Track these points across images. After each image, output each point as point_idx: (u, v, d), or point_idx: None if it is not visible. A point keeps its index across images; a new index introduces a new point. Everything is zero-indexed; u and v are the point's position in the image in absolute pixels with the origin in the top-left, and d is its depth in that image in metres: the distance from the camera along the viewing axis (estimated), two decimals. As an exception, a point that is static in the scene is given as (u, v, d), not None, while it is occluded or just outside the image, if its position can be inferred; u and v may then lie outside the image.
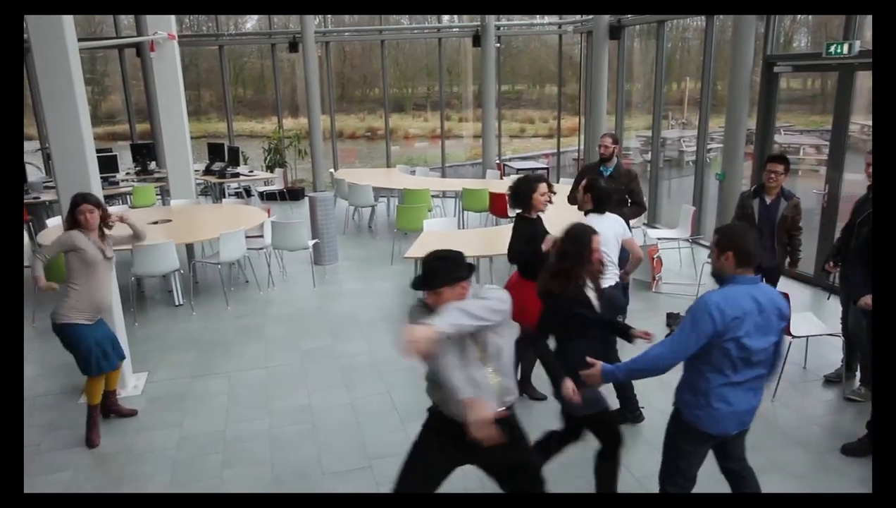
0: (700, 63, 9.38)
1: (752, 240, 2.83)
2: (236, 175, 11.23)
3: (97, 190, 4.91)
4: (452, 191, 10.76)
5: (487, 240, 7.19)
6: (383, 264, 8.67)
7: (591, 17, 11.78)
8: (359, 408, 5.01)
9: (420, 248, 6.69)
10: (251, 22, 18.63)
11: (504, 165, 13.17)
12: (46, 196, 9.75)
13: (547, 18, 14.76)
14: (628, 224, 5.30)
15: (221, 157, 11.55)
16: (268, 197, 12.65)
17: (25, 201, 9.34)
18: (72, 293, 4.37)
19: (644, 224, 9.09)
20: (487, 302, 2.67)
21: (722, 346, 2.77)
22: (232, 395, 5.25)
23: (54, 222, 7.90)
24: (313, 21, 12.36)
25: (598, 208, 4.65)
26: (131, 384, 5.37)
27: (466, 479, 4.11)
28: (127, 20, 14.36)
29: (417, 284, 2.83)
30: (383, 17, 13.97)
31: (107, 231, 4.53)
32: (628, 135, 12.05)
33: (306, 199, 13.07)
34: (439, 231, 7.52)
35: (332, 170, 12.32)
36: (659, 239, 7.98)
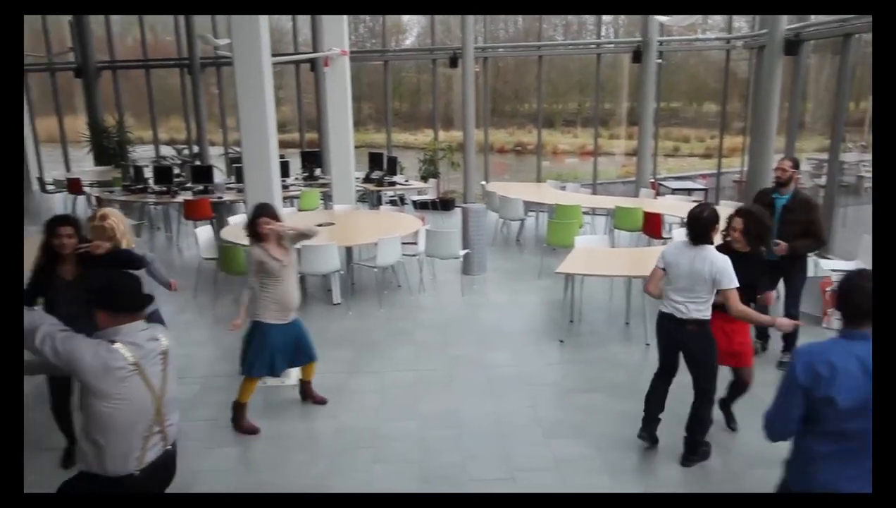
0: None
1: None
2: (393, 184, 11.76)
3: (278, 191, 5.38)
4: (603, 208, 10.57)
5: (639, 260, 6.98)
6: (530, 277, 8.68)
7: (763, 31, 11.09)
8: (503, 419, 5.05)
9: (571, 264, 6.64)
10: (411, 39, 19.51)
11: (659, 184, 12.72)
12: (228, 196, 10.78)
13: (712, 34, 14.08)
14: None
15: (380, 166, 12.15)
16: (420, 206, 13.11)
17: (211, 200, 10.39)
18: (261, 295, 4.77)
19: (816, 254, 8.39)
20: None
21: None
22: (383, 394, 5.49)
23: (235, 220, 8.72)
24: (473, 37, 12.67)
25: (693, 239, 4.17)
26: (294, 374, 5.78)
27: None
28: (303, 37, 15.57)
29: None
30: (541, 34, 14.04)
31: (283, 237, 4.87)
32: (799, 158, 11.16)
33: (456, 209, 13.45)
34: (590, 248, 7.41)
35: (483, 182, 12.54)
36: (833, 271, 7.32)
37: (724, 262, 4.03)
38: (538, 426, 4.92)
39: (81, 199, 13.03)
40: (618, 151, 18.67)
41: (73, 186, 12.59)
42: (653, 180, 12.84)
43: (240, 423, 4.93)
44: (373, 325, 7.08)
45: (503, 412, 5.16)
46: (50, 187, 13.95)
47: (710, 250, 4.10)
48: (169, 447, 3.00)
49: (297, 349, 4.99)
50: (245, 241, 7.04)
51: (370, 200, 12.39)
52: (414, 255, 8.18)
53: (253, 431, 4.89)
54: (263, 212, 4.75)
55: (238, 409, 4.94)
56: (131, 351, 2.70)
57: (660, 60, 12.92)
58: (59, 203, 14.27)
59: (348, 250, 8.25)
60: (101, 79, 16.57)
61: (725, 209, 6.78)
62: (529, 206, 10.76)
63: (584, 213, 10.07)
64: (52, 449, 4.57)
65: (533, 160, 14.67)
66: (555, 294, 7.92)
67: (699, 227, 4.10)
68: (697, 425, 4.35)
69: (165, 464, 3.01)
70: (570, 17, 17.67)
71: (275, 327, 4.79)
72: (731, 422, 4.85)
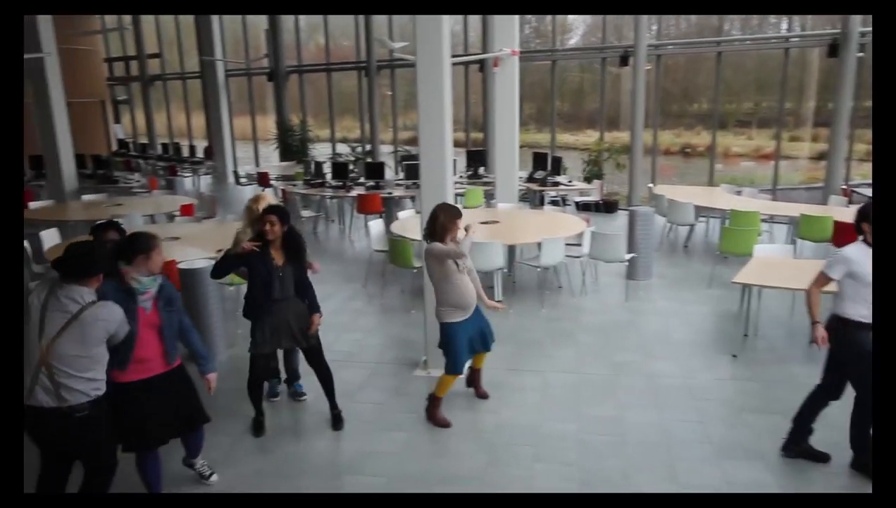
0: None
1: None
2: (556, 184, 11.68)
3: (451, 189, 5.55)
4: (785, 216, 9.76)
5: (831, 274, 6.36)
6: (699, 286, 8.24)
7: None
8: (669, 431, 4.84)
9: (749, 274, 6.22)
10: (575, 38, 19.20)
11: (853, 191, 11.50)
12: (397, 192, 11.31)
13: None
14: None
15: (544, 166, 12.12)
16: (583, 207, 12.90)
17: (381, 195, 10.96)
18: (439, 296, 4.94)
19: None
20: None
21: None
22: (544, 393, 5.49)
23: (404, 214, 9.13)
24: (646, 34, 12.24)
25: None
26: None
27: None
28: (472, 38, 15.90)
29: None
30: (722, 29, 13.22)
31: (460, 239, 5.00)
32: None
33: (619, 212, 13.09)
34: (771, 258, 6.88)
35: (650, 185, 12.08)
36: None
37: None
38: (708, 444, 4.67)
39: (269, 191, 14.31)
40: (801, 155, 17.14)
41: (262, 180, 13.88)
42: (845, 187, 11.64)
43: (433, 415, 5.07)
44: (534, 324, 7.09)
45: (669, 424, 4.95)
46: (243, 180, 15.45)
47: None
48: (59, 406, 3.24)
49: (480, 337, 5.10)
50: (413, 235, 7.40)
51: (532, 199, 12.40)
52: (577, 257, 8.08)
53: (445, 424, 5.00)
54: (451, 212, 4.84)
55: (433, 402, 5.10)
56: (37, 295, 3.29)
57: (860, 54, 11.66)
58: (249, 195, 15.77)
59: (510, 249, 8.32)
60: (288, 82, 18.09)
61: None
62: (700, 211, 10.20)
63: (763, 220, 9.37)
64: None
65: (701, 163, 13.90)
66: (726, 305, 7.45)
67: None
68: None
69: (48, 420, 3.26)
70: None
71: (460, 324, 4.91)
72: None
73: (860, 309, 3.77)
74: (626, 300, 7.79)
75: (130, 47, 22.21)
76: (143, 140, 22.03)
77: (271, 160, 18.74)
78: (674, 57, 16.87)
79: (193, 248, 7.14)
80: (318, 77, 18.29)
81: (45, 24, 10.65)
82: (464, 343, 4.95)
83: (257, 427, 4.95)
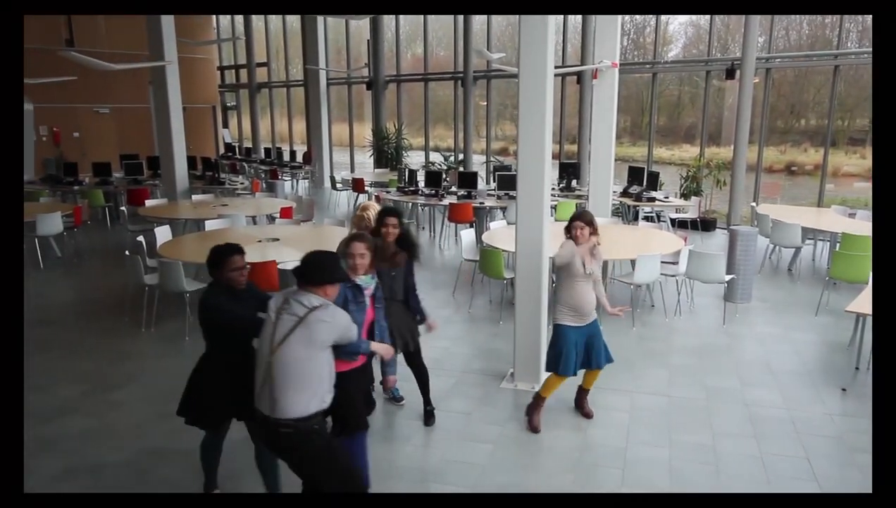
0: None
1: None
2: (652, 200, 11.36)
3: (548, 200, 5.51)
4: (905, 242, 9.04)
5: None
6: (805, 312, 7.77)
7: None
8: (770, 466, 4.58)
9: (866, 302, 5.80)
10: (675, 50, 18.64)
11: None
12: (489, 203, 11.33)
13: None
14: None
15: (640, 180, 11.82)
16: (679, 224, 12.48)
17: (473, 204, 11.01)
18: (559, 298, 4.95)
19: None
20: None
21: None
22: (633, 415, 5.33)
23: (496, 225, 9.14)
24: (756, 47, 11.72)
25: None
26: (542, 379, 5.87)
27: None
28: (569, 50, 15.75)
29: None
30: (839, 41, 12.47)
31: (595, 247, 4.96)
32: None
33: (717, 231, 12.57)
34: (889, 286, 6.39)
35: (753, 204, 11.53)
36: None
37: None
38: (815, 483, 4.38)
39: (363, 197, 14.69)
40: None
41: (357, 186, 14.26)
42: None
43: (531, 415, 5.12)
44: (624, 342, 6.91)
45: (769, 457, 4.68)
46: (339, 186, 15.95)
47: None
48: (269, 415, 3.21)
49: (588, 351, 5.04)
50: (505, 246, 7.39)
51: (625, 214, 12.11)
52: (673, 275, 7.81)
53: (535, 429, 5.04)
54: (580, 218, 4.88)
55: (537, 401, 5.14)
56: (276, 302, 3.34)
57: None
58: (344, 200, 16.27)
59: (604, 265, 8.13)
60: (386, 90, 18.54)
61: None
62: (807, 233, 9.64)
63: (880, 246, 8.72)
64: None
65: (807, 182, 13.18)
66: (836, 335, 6.99)
67: None
68: None
69: (263, 425, 3.27)
70: (867, 20, 15.44)
71: (571, 328, 4.91)
72: None
73: None
74: (723, 324, 7.46)
75: (241, 56, 23.45)
76: (248, 144, 23.19)
77: (366, 167, 19.25)
78: (780, 70, 16.09)
79: (292, 249, 7.42)
80: (415, 86, 18.64)
81: (168, 34, 11.41)
82: (571, 346, 4.91)
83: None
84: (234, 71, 24.55)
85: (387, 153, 17.92)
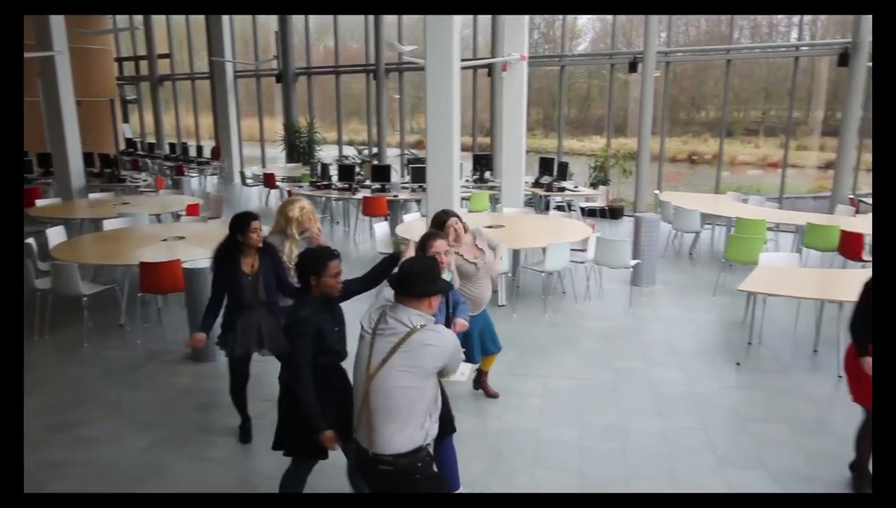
0: None
1: None
2: (562, 189, 11.67)
3: (457, 192, 5.56)
4: (791, 225, 9.73)
5: (833, 283, 6.34)
6: (704, 293, 8.21)
7: None
8: (672, 439, 4.82)
9: (755, 282, 6.19)
10: (584, 44, 19.22)
11: (859, 200, 11.45)
12: (403, 195, 11.32)
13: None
14: None
15: (550, 171, 12.11)
16: (588, 213, 12.89)
17: (387, 198, 10.97)
18: (461, 291, 4.80)
19: None
20: None
21: None
22: (546, 399, 5.47)
23: (410, 217, 9.14)
24: (656, 41, 12.21)
25: None
26: (459, 370, 5.92)
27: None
28: (481, 42, 15.92)
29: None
30: (731, 36, 13.20)
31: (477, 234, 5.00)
32: None
33: (624, 218, 13.06)
34: (777, 266, 6.85)
35: (656, 191, 12.06)
36: None
37: None
38: (711, 452, 4.64)
39: (275, 192, 14.34)
40: (808, 164, 17.11)
41: (268, 181, 13.91)
42: (852, 197, 11.59)
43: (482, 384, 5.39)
44: (537, 329, 7.08)
45: (671, 431, 4.92)
46: (249, 181, 15.50)
47: None
48: (368, 449, 2.80)
49: (483, 337, 5.09)
50: (417, 237, 7.39)
51: (537, 204, 12.39)
52: (582, 262, 8.06)
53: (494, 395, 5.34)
54: (450, 214, 4.79)
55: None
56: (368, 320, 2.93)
57: (871, 63, 11.62)
58: (255, 195, 15.83)
59: (515, 253, 8.30)
60: (296, 84, 18.15)
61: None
62: (706, 218, 10.17)
63: (769, 229, 9.35)
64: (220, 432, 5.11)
65: (707, 170, 13.89)
66: (731, 313, 7.42)
67: None
68: None
69: (361, 457, 2.86)
70: (759, 18, 16.45)
71: (471, 318, 4.91)
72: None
73: None
74: (629, 307, 7.77)
75: (141, 47, 22.33)
76: (151, 140, 22.15)
77: (278, 162, 18.80)
78: (682, 64, 16.88)
79: (199, 247, 7.16)
80: (327, 79, 18.34)
81: (56, 23, 10.72)
82: (476, 335, 4.95)
83: (244, 434, 4.91)
84: (133, 62, 23.35)
85: (299, 148, 17.57)
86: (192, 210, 9.92)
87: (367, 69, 16.87)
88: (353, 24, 18.70)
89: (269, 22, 18.75)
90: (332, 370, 3.47)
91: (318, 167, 13.03)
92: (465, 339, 4.89)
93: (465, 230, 4.86)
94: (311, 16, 18.28)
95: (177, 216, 9.92)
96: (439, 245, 3.80)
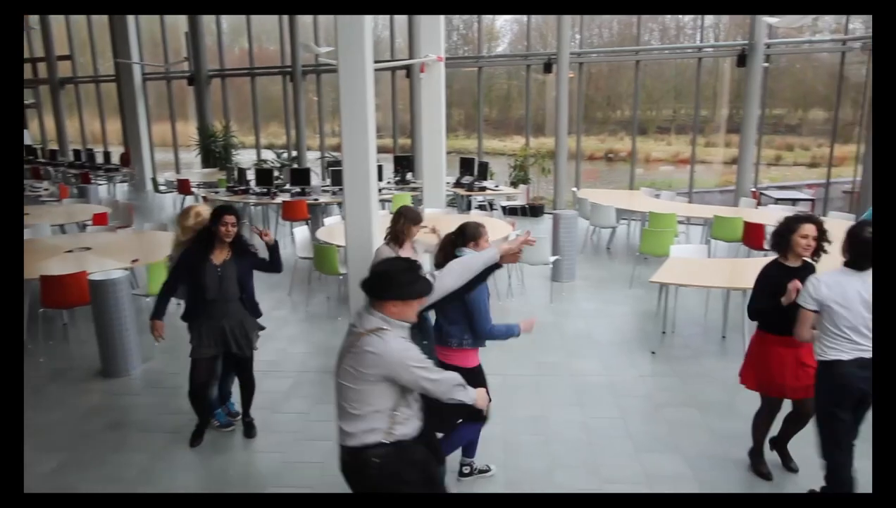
0: None
1: None
2: (483, 189, 11.81)
3: (374, 194, 5.52)
4: (700, 218, 10.20)
5: (738, 272, 6.68)
6: (621, 286, 8.48)
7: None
8: (592, 429, 4.95)
9: (666, 274, 6.45)
10: (503, 45, 19.53)
11: (761, 193, 12.13)
12: (323, 198, 11.16)
13: (826, 35, 13.29)
14: None
15: (471, 171, 12.23)
16: (509, 211, 13.09)
17: (307, 201, 10.79)
18: None
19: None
20: None
21: None
22: (470, 396, 5.50)
23: (331, 221, 9.02)
24: (569, 42, 12.55)
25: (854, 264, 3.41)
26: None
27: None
28: (398, 45, 15.91)
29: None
30: (639, 38, 13.72)
31: (417, 239, 5.02)
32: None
33: (546, 216, 13.34)
34: (686, 258, 7.16)
35: (574, 189, 12.38)
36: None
37: None
38: (629, 439, 4.80)
39: (190, 198, 13.84)
40: (715, 160, 17.98)
41: (183, 187, 13.42)
42: (754, 190, 12.27)
43: None
44: (460, 328, 7.11)
45: (592, 421, 5.06)
46: (162, 188, 14.90)
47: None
48: (342, 443, 2.94)
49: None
50: (339, 241, 7.31)
51: (459, 204, 12.48)
52: (503, 260, 8.15)
53: None
54: (412, 217, 4.89)
55: None
56: None
57: (767, 64, 12.34)
58: (169, 203, 15.24)
59: (438, 254, 8.32)
60: (210, 86, 17.59)
61: (835, 222, 6.41)
62: (621, 213, 10.53)
63: (680, 222, 9.76)
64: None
65: (624, 168, 14.36)
66: (646, 304, 7.70)
67: (865, 247, 3.29)
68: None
69: (341, 462, 2.99)
70: (667, 20, 17.20)
71: None
72: (790, 461, 4.37)
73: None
74: (550, 302, 7.94)
75: (39, 48, 21.07)
76: (54, 147, 20.93)
77: (193, 167, 18.15)
78: (597, 65, 17.41)
79: (107, 258, 6.82)
80: (242, 82, 17.86)
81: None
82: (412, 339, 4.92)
83: (196, 436, 4.80)
84: (31, 65, 22.00)
85: (215, 152, 17.02)
86: (100, 219, 9.44)
87: (283, 71, 16.55)
88: (269, 26, 18.29)
89: (179, 22, 18.09)
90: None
91: (235, 172, 12.67)
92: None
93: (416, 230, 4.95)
94: (224, 16, 17.76)
95: (82, 226, 9.41)
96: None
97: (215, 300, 4.47)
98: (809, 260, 3.94)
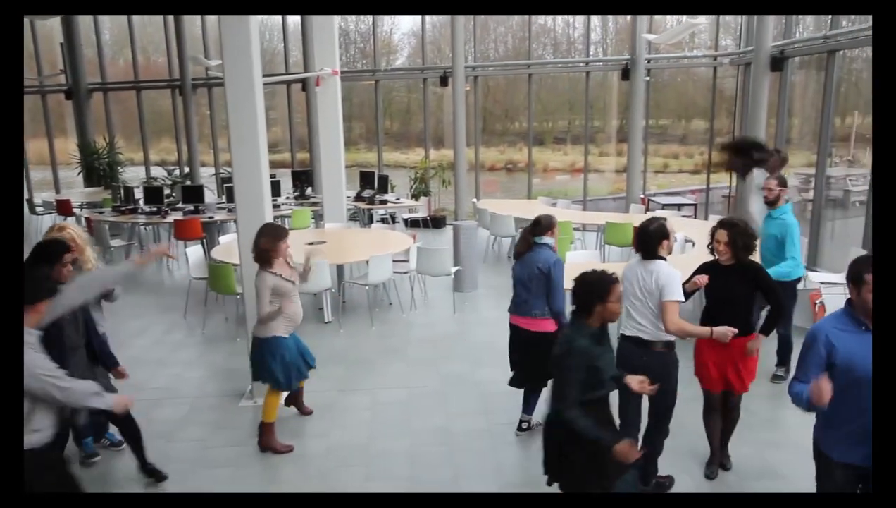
0: (871, 96, 8.64)
1: None
2: (384, 202, 11.79)
3: (269, 211, 5.37)
4: (594, 224, 10.62)
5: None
6: (522, 294, 8.67)
7: (749, 48, 11.25)
8: (496, 435, 5.02)
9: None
10: (402, 59, 19.67)
11: (649, 199, 12.81)
12: (219, 216, 10.77)
13: (700, 51, 14.28)
14: None
15: (371, 184, 12.19)
16: (411, 224, 13.13)
17: (201, 219, 10.38)
18: (273, 310, 4.64)
19: (804, 267, 8.43)
20: None
21: None
22: (375, 411, 5.46)
23: (226, 239, 8.71)
24: (463, 56, 12.80)
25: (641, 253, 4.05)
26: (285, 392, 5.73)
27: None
28: (293, 58, 15.67)
29: None
30: (532, 52, 14.19)
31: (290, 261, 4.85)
32: (786, 173, 11.31)
33: (448, 227, 13.47)
34: (581, 263, 7.41)
35: (474, 200, 12.59)
36: (822, 283, 7.37)
37: (669, 274, 3.85)
38: (532, 442, 4.90)
39: (71, 220, 12.96)
40: (608, 169, 18.82)
41: (63, 208, 12.55)
42: (643, 196, 12.94)
43: (271, 443, 4.82)
44: (364, 343, 7.06)
45: (496, 428, 5.13)
46: (39, 209, 13.89)
47: (658, 264, 3.91)
48: None
49: (305, 352, 5.00)
50: (235, 259, 7.06)
51: (361, 218, 12.40)
52: (405, 272, 8.17)
53: (289, 449, 4.82)
54: (273, 234, 4.64)
55: (267, 430, 4.83)
56: None
57: (648, 78, 13.08)
58: (48, 225, 14.20)
59: (339, 268, 8.23)
60: (91, 101, 16.59)
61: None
62: (520, 222, 10.78)
63: (575, 229, 10.12)
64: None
65: (523, 178, 14.76)
66: (547, 310, 7.91)
67: (647, 240, 3.95)
68: (650, 452, 4.06)
69: None
70: (559, 36, 17.92)
71: (287, 339, 4.77)
72: (727, 461, 4.53)
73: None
74: (454, 312, 8.01)
75: None
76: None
77: (75, 186, 17.03)
78: (494, 78, 17.86)
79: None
80: (128, 96, 16.97)
81: None
82: (297, 356, 4.83)
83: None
84: None
85: (98, 170, 16.04)
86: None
87: (172, 84, 15.87)
88: (156, 37, 17.54)
89: (53, 33, 16.99)
90: (601, 406, 3.23)
91: (122, 191, 12.01)
92: (285, 360, 4.75)
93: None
94: (103, 27, 16.84)
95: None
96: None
97: (76, 348, 4.09)
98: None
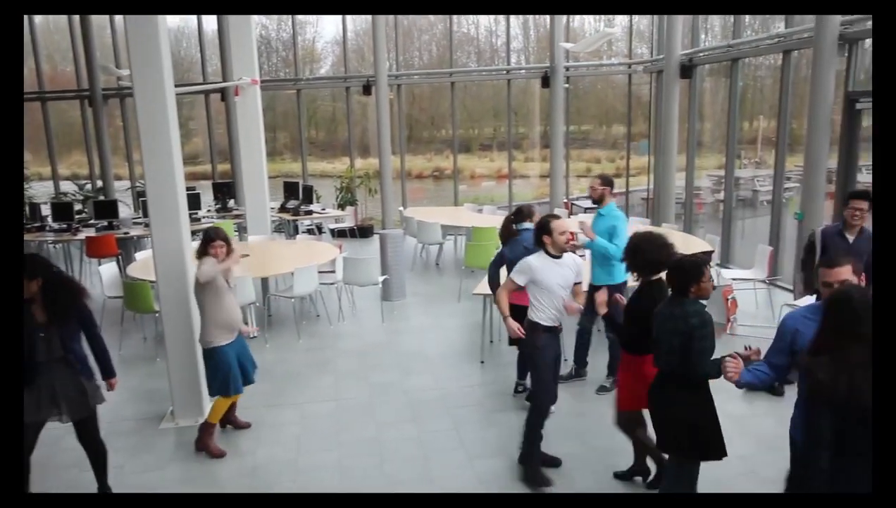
0: (774, 101, 9.18)
1: None
2: (309, 212, 11.61)
3: (186, 225, 5.20)
4: (519, 229, 10.78)
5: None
6: (450, 300, 8.73)
7: (661, 56, 11.74)
8: (426, 443, 5.02)
9: (485, 284, 6.72)
10: (325, 67, 19.50)
11: (572, 204, 13.13)
12: (135, 232, 10.34)
13: (616, 59, 14.79)
14: None
15: (296, 195, 11.97)
16: (339, 234, 12.99)
17: (116, 235, 9.94)
18: (211, 318, 4.72)
19: (717, 264, 8.85)
20: None
21: None
22: (303, 426, 5.36)
23: (143, 255, 8.37)
24: (386, 65, 12.79)
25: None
26: (208, 410, 5.54)
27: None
28: (213, 67, 15.25)
29: None
30: (454, 60, 14.33)
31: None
32: (699, 175, 11.86)
33: (376, 236, 13.40)
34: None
35: (401, 208, 12.57)
36: (734, 279, 7.75)
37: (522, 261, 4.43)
38: (462, 449, 4.92)
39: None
40: (533, 174, 19.20)
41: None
42: (566, 200, 13.26)
43: (209, 444, 4.89)
44: (291, 356, 6.92)
45: (426, 436, 5.13)
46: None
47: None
48: None
49: (243, 364, 4.99)
50: (153, 276, 6.79)
51: (286, 229, 12.17)
52: (332, 283, 8.07)
53: (222, 454, 4.86)
54: (218, 235, 4.83)
55: (207, 430, 4.90)
56: None
57: (567, 85, 13.43)
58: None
59: (264, 282, 8.05)
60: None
61: (633, 226, 7.09)
62: (447, 230, 10.84)
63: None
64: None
65: (450, 185, 14.85)
66: (475, 316, 7.96)
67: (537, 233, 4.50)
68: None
69: None
70: (482, 44, 18.18)
71: (228, 346, 4.80)
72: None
73: (539, 313, 4.32)
74: (382, 322, 7.97)
75: None
76: None
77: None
78: (420, 86, 17.93)
79: None
80: (32, 107, 16.07)
81: None
82: (235, 364, 4.84)
83: None
84: None
85: (2, 186, 15.11)
86: None
87: (80, 95, 15.14)
88: (63, 45, 16.70)
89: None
90: None
91: (27, 208, 11.34)
92: (224, 369, 4.67)
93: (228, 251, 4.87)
94: None
95: None
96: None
97: (46, 363, 3.80)
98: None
